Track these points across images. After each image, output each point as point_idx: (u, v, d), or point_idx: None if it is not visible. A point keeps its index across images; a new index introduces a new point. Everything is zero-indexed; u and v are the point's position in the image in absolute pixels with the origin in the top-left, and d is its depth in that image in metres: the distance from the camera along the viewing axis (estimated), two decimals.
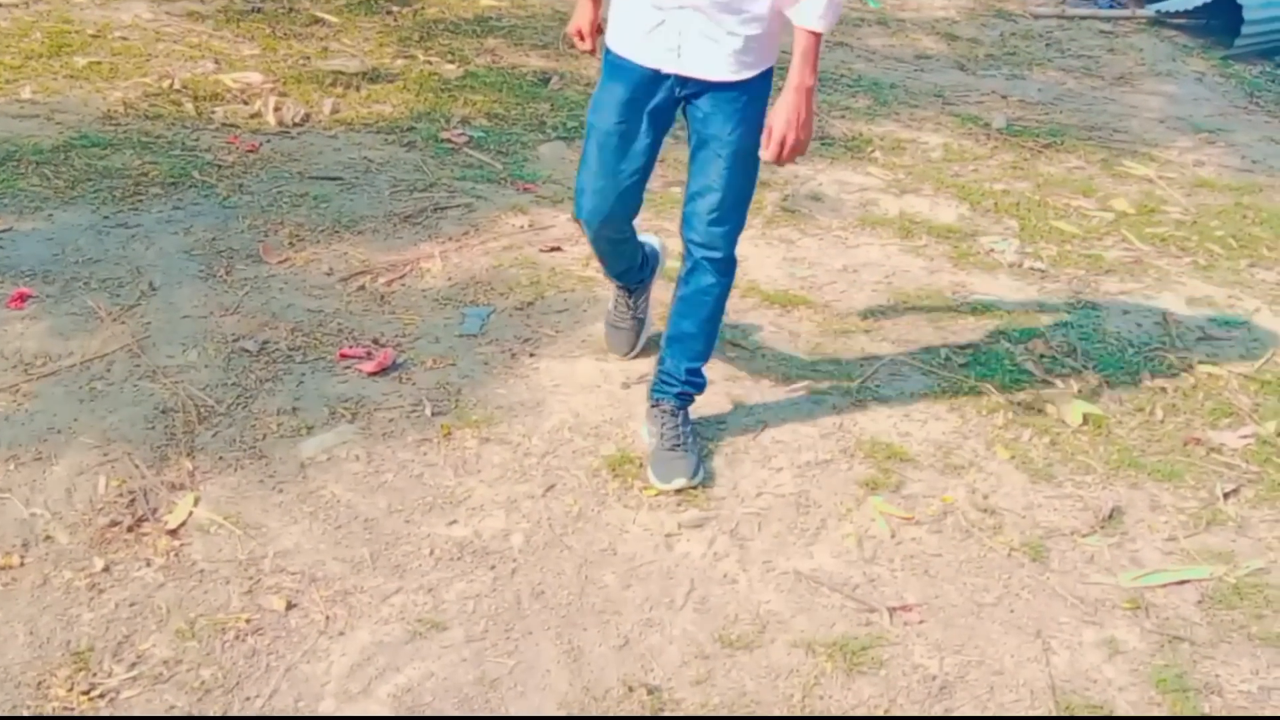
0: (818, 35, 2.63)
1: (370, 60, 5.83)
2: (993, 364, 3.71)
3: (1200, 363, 3.83)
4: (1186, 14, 7.68)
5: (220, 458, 2.97)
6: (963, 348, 3.79)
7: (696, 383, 3.07)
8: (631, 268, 3.34)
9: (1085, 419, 3.46)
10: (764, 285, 4.04)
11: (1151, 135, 5.87)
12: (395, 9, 6.73)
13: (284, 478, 2.93)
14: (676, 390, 3.05)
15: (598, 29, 3.03)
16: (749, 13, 2.66)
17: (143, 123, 4.84)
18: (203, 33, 5.96)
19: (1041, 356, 3.78)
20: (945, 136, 5.59)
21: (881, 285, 4.17)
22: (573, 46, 3.14)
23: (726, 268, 2.96)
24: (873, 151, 5.32)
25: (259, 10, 6.41)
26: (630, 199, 2.98)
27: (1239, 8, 7.12)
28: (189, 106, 5.04)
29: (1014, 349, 3.81)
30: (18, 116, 4.78)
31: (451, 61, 5.92)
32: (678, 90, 2.78)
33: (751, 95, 2.77)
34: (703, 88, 2.76)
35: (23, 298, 3.52)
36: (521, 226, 4.31)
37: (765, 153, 2.72)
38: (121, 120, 4.84)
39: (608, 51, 2.86)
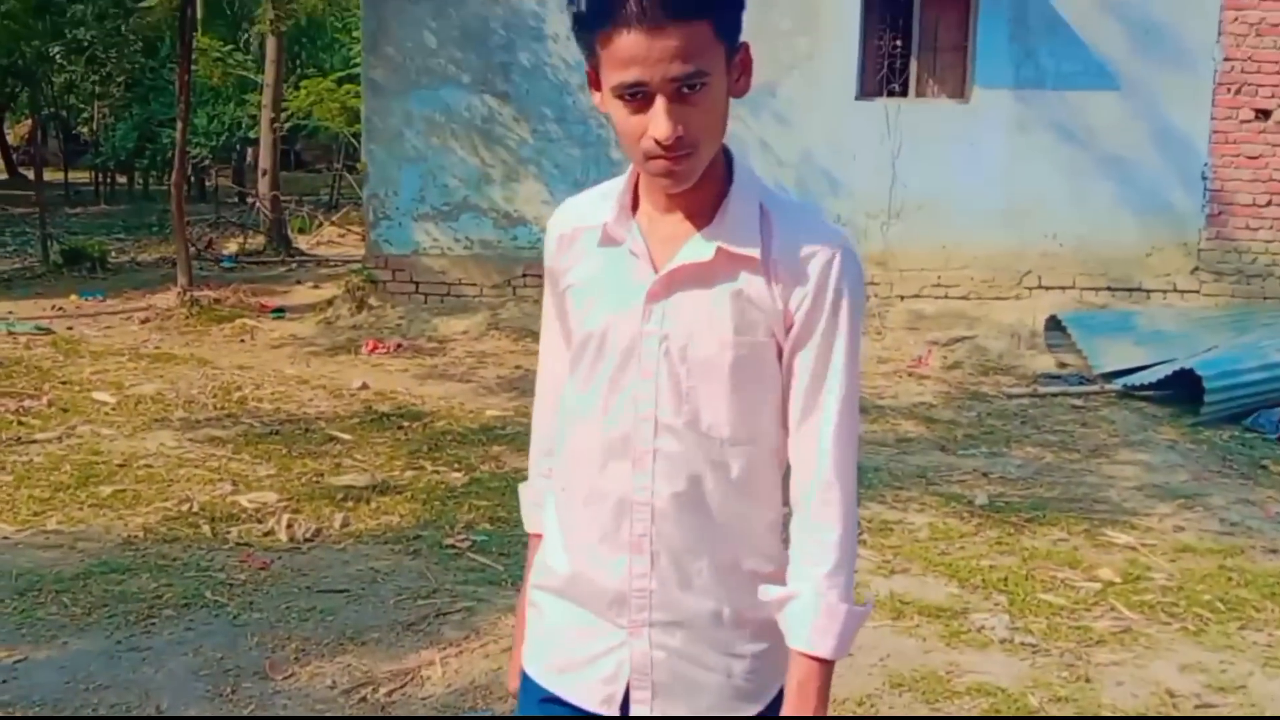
0: (825, 664, 1.67)
1: (381, 473, 6.16)
2: None
3: None
4: (1153, 385, 8.12)
5: None
6: None
7: None
8: None
9: None
10: None
11: (1131, 504, 6.08)
12: (406, 424, 7.17)
13: None
14: None
15: None
16: (763, 618, 1.74)
17: (161, 546, 5.09)
18: (223, 456, 6.34)
19: None
20: (930, 516, 5.81)
21: (876, 668, 4.23)
22: None
23: None
24: (861, 534, 5.51)
25: (276, 432, 6.84)
26: None
27: (1201, 377, 7.55)
28: (205, 528, 5.31)
29: None
30: (42, 547, 5.04)
31: (458, 470, 6.26)
32: None
33: None
34: None
35: None
36: None
37: None
38: (140, 545, 5.09)
39: (523, 676, 1.87)
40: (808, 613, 1.66)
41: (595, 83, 1.66)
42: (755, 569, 1.74)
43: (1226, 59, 9.94)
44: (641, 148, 1.59)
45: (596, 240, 1.75)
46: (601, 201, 1.77)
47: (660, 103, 1.55)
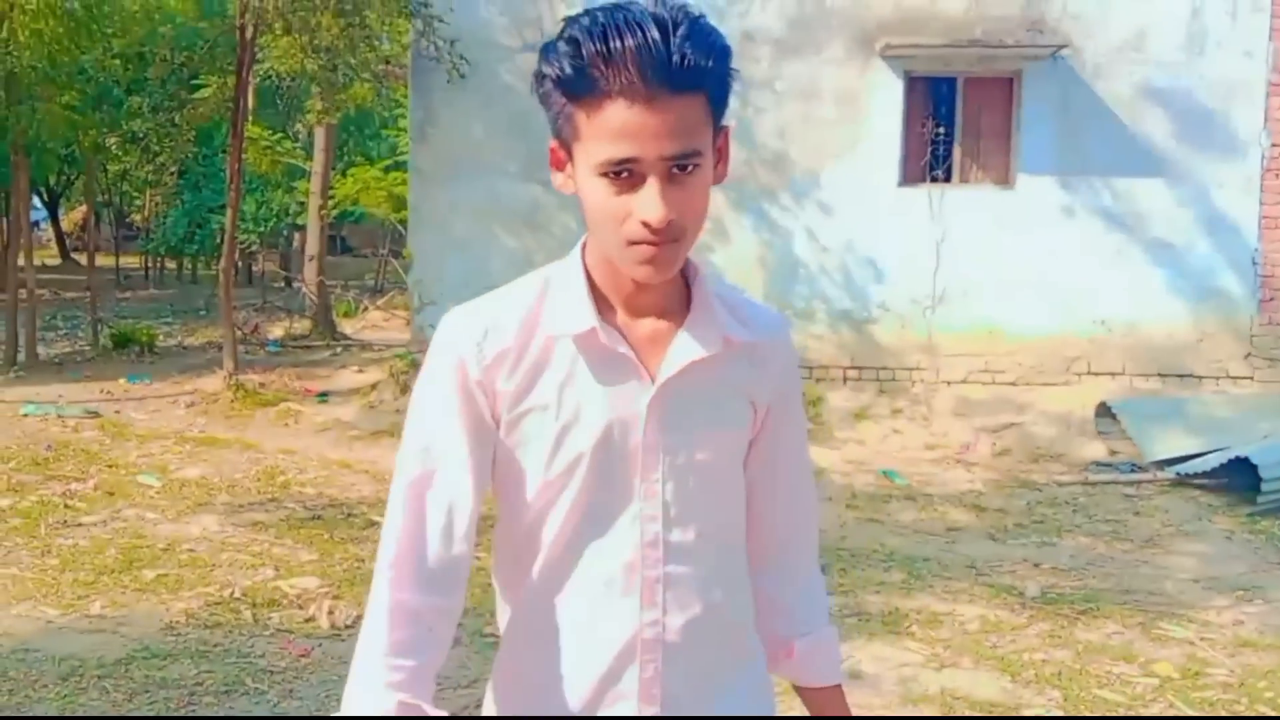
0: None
1: None
2: None
3: None
4: (1207, 474, 7.95)
5: None
6: None
7: None
8: None
9: None
10: None
11: (1188, 596, 5.92)
12: None
13: None
14: None
15: None
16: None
17: (202, 632, 5.06)
18: (265, 541, 6.33)
19: None
20: (981, 608, 5.68)
21: None
22: None
23: None
24: (910, 626, 5.40)
25: (319, 517, 6.83)
26: None
27: (1256, 466, 7.39)
28: (247, 614, 5.28)
29: None
30: (85, 631, 5.02)
31: None
32: None
33: None
34: None
35: None
36: None
37: None
38: (182, 630, 5.06)
39: None
40: (829, 653, 1.74)
41: (559, 160, 1.49)
42: (741, 675, 1.64)
43: (1274, 145, 9.90)
44: (624, 232, 1.42)
45: (568, 351, 1.52)
46: (537, 306, 1.54)
47: (652, 183, 1.39)
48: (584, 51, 1.37)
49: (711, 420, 1.56)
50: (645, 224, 1.40)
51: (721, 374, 1.57)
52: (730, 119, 1.51)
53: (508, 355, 1.51)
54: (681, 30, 1.37)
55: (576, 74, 1.39)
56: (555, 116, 1.45)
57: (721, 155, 1.50)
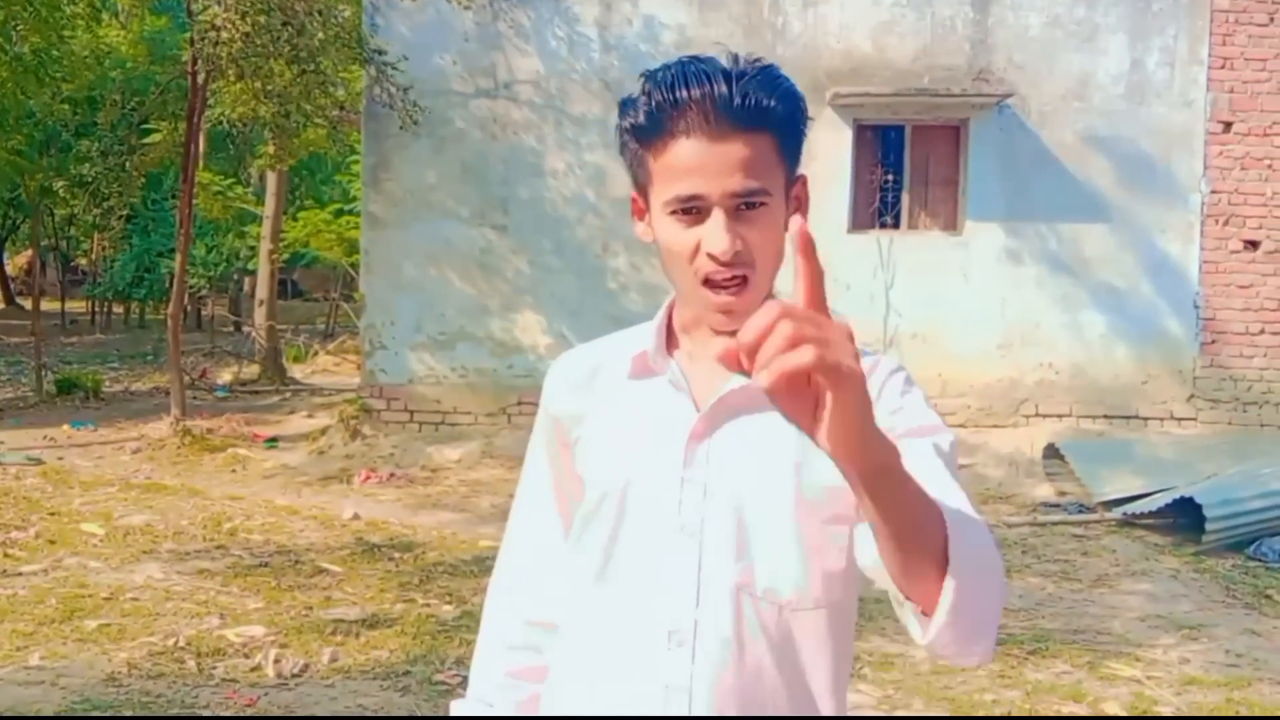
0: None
1: (370, 606, 6.05)
2: None
3: None
4: (1153, 514, 8.05)
5: None
6: None
7: None
8: None
9: None
10: None
11: (1135, 635, 5.97)
12: (397, 555, 7.08)
13: None
14: None
15: None
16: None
17: (145, 683, 4.96)
18: (211, 589, 6.23)
19: None
20: None
21: None
22: None
23: None
24: (862, 668, 5.41)
25: (266, 564, 6.74)
26: None
27: (1201, 506, 7.49)
28: (191, 664, 5.18)
29: None
30: (23, 684, 4.91)
31: (449, 603, 6.15)
32: None
33: None
34: None
35: None
36: None
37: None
38: (125, 681, 4.96)
39: None
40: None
41: (639, 210, 1.52)
42: None
43: (1214, 192, 10.13)
44: (695, 268, 1.43)
45: (625, 375, 1.54)
46: (624, 345, 1.58)
47: (718, 215, 1.40)
48: (654, 99, 1.43)
49: (767, 458, 1.45)
50: (711, 256, 1.41)
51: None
52: None
53: (578, 386, 1.60)
54: (749, 76, 1.42)
55: (647, 119, 1.44)
56: (631, 164, 1.50)
57: (799, 204, 1.51)
